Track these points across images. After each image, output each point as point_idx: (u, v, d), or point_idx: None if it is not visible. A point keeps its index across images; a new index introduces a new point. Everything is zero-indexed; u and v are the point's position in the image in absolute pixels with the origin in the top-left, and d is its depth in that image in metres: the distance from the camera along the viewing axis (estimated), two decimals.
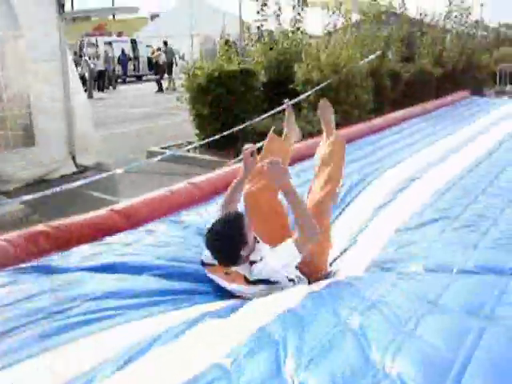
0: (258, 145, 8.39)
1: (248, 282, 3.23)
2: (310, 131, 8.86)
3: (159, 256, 3.64)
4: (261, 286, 3.21)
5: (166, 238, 3.94)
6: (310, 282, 3.43)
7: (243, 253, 3.15)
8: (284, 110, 7.65)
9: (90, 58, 25.73)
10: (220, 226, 3.14)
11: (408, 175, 5.91)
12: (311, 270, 3.58)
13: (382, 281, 3.10)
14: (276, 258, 3.19)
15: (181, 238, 3.99)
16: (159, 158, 7.86)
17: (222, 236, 3.10)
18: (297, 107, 10.28)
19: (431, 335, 2.40)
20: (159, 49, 27.85)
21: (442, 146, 7.54)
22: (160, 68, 26.12)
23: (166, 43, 27.76)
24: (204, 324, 2.75)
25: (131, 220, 4.25)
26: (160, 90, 24.97)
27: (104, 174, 5.96)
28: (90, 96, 23.16)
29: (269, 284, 3.20)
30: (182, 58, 26.78)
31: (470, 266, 3.32)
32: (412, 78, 13.96)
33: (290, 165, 4.71)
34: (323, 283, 3.18)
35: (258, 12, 11.66)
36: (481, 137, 8.22)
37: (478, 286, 2.99)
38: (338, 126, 9.03)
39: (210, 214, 4.42)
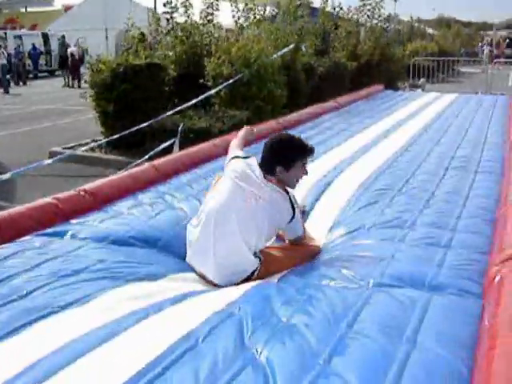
0: (168, 143, 8.12)
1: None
2: (220, 128, 8.51)
3: None
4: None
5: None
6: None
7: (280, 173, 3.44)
8: (192, 106, 7.30)
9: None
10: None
11: (322, 172, 5.65)
12: None
13: (300, 295, 2.85)
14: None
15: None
16: (56, 158, 7.37)
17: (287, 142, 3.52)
18: (208, 103, 9.94)
19: (347, 368, 2.16)
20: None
21: (356, 142, 7.35)
22: (74, 62, 25.24)
23: (63, 37, 27.23)
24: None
25: None
26: (68, 85, 24.21)
27: None
28: (6, 91, 22.22)
29: None
30: (85, 51, 26.01)
31: (387, 279, 3.05)
32: (327, 71, 13.82)
33: None
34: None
35: (165, 4, 11.18)
36: (394, 131, 8.10)
37: (397, 302, 2.74)
38: (251, 121, 8.85)
39: (104, 224, 3.99)
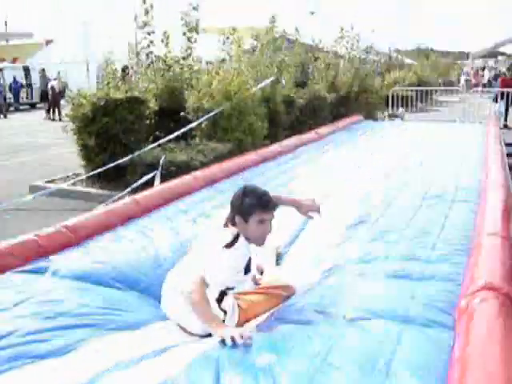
0: (149, 176, 8.14)
1: None
2: (201, 161, 8.56)
3: None
4: None
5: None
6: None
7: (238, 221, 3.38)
8: (173, 138, 7.30)
9: None
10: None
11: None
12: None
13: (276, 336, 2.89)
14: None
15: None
16: (39, 193, 7.37)
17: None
18: (189, 136, 10.00)
19: None
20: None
21: (335, 173, 7.42)
22: (55, 95, 25.25)
23: (43, 70, 27.41)
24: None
25: None
26: (49, 118, 24.23)
27: None
28: None
29: None
30: (66, 85, 26.06)
31: (359, 312, 3.09)
32: (306, 103, 13.96)
33: None
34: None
35: (145, 38, 11.27)
36: (372, 161, 8.20)
37: (370, 335, 2.79)
38: (232, 154, 8.92)
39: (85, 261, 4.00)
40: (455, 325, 2.81)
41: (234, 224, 3.41)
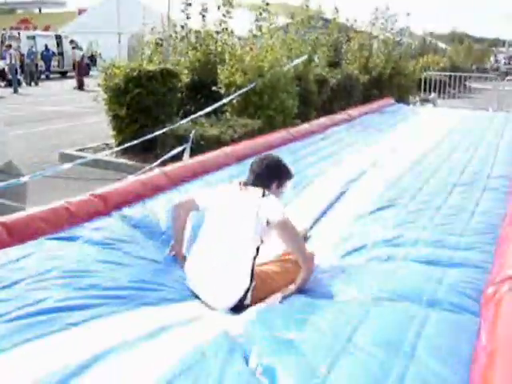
0: (179, 149, 8.15)
1: None
2: (232, 136, 8.54)
3: None
4: None
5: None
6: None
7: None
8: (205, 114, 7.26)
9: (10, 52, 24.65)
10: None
11: (332, 185, 5.69)
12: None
13: (301, 313, 2.90)
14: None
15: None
16: (75, 163, 7.40)
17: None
18: (220, 111, 9.97)
19: (346, 383, 2.24)
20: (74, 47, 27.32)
21: (365, 155, 7.37)
22: (79, 65, 25.36)
23: (72, 41, 27.51)
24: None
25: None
26: (80, 87, 24.32)
27: (12, 181, 5.56)
28: (15, 91, 22.39)
29: None
30: (99, 56, 26.18)
31: (386, 293, 3.08)
32: (338, 83, 13.86)
33: None
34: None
35: (183, 11, 11.22)
36: (404, 146, 8.13)
37: (395, 317, 2.79)
38: (262, 131, 8.88)
39: (114, 229, 4.03)
40: (481, 312, 2.80)
41: (269, 188, 3.57)
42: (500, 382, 2.02)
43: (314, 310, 2.91)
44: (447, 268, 3.42)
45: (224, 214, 3.47)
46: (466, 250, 3.73)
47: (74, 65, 26.30)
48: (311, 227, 4.74)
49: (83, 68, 25.41)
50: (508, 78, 22.54)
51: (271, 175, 3.63)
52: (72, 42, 28.60)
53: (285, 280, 3.46)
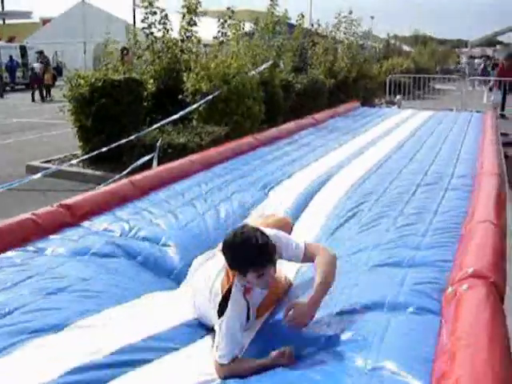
0: (146, 158, 8.16)
1: None
2: (199, 144, 8.57)
3: None
4: None
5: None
6: None
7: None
8: (170, 122, 7.24)
9: None
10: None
11: (298, 190, 5.73)
12: None
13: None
14: None
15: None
16: (42, 173, 7.38)
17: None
18: (186, 119, 9.99)
19: None
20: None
21: (331, 159, 7.44)
22: (36, 77, 25.13)
23: (41, 52, 27.17)
24: None
25: None
26: (33, 99, 24.18)
27: None
28: None
29: None
30: (63, 66, 26.04)
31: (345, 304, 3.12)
32: (304, 88, 13.96)
33: None
34: None
35: (143, 20, 11.21)
36: (369, 148, 8.23)
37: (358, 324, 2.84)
38: (229, 137, 8.93)
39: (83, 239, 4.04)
40: (442, 311, 2.82)
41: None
42: (460, 380, 2.06)
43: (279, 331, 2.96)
44: (409, 269, 3.44)
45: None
46: (429, 249, 3.74)
47: (31, 77, 25.94)
48: None
49: (47, 79, 25.11)
50: (470, 78, 22.88)
51: (226, 260, 2.95)
52: (41, 53, 28.26)
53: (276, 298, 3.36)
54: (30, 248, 3.85)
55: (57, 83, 27.72)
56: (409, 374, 2.31)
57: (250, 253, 2.78)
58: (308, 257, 3.13)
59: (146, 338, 2.87)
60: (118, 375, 2.53)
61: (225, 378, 2.66)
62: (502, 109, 18.13)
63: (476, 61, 35.98)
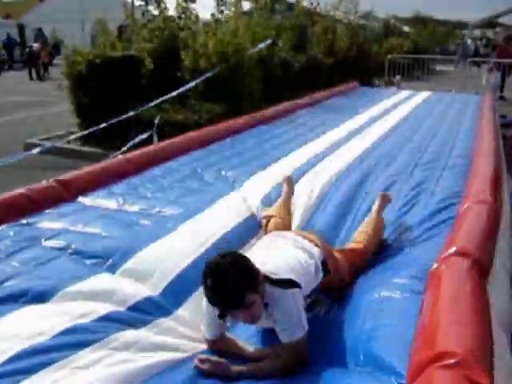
0: (144, 135, 8.13)
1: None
2: (197, 121, 8.55)
3: None
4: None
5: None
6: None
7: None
8: (169, 98, 7.17)
9: None
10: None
11: (294, 167, 5.72)
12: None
13: None
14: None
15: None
16: (39, 149, 7.35)
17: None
18: (184, 97, 9.95)
19: None
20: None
21: (329, 138, 7.42)
22: (33, 55, 24.93)
23: (40, 29, 26.97)
24: None
25: None
26: (31, 78, 24.01)
27: None
28: None
29: None
30: (61, 43, 25.83)
31: None
32: (303, 67, 13.89)
33: None
34: None
35: None
36: (368, 128, 8.21)
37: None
38: (227, 116, 8.90)
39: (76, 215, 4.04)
40: (424, 290, 2.79)
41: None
42: (441, 354, 2.04)
43: None
44: (403, 250, 3.49)
45: None
46: (423, 229, 3.79)
47: (29, 55, 25.71)
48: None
49: (44, 56, 24.90)
50: (469, 59, 22.73)
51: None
52: (39, 30, 28.01)
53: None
54: (24, 222, 3.85)
55: (55, 61, 27.57)
56: (385, 354, 2.33)
57: (211, 293, 2.44)
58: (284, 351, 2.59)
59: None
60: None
61: (212, 350, 2.68)
62: (501, 90, 18.08)
63: (468, 42, 35.68)
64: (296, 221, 4.18)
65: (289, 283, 2.59)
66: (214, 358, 2.54)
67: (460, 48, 29.22)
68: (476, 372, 1.87)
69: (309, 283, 2.81)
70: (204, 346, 2.73)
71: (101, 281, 3.06)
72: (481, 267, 2.73)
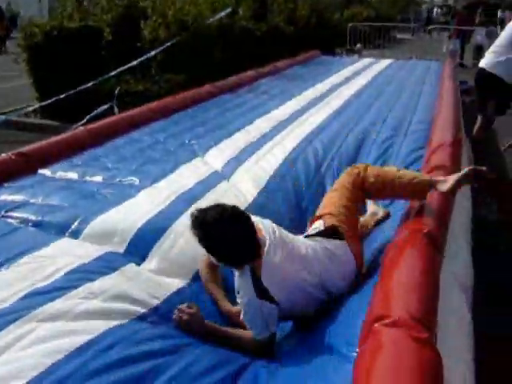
0: (104, 107, 8.05)
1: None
2: (158, 91, 8.47)
3: None
4: None
5: None
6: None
7: None
8: (129, 69, 7.07)
9: None
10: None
11: (256, 136, 5.71)
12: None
13: None
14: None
15: None
16: None
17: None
18: (145, 68, 9.84)
19: None
20: None
21: (291, 106, 7.42)
22: None
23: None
24: None
25: None
26: None
27: None
28: None
29: None
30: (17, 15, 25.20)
31: None
32: (265, 36, 13.80)
33: None
34: None
35: None
36: (329, 95, 8.23)
37: None
38: (188, 86, 8.82)
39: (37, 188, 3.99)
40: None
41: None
42: (381, 318, 2.07)
43: None
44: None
45: None
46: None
47: None
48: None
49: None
50: (430, 26, 22.90)
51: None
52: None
53: None
54: None
55: (12, 35, 26.89)
56: None
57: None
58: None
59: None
60: None
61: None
62: (461, 57, 18.26)
63: (423, 7, 35.77)
64: (260, 184, 4.21)
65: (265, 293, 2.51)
66: (191, 310, 2.54)
67: (415, 16, 29.43)
68: (418, 329, 1.95)
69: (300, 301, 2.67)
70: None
71: (62, 245, 3.07)
72: (433, 239, 2.73)
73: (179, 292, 2.82)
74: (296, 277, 2.59)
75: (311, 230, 2.93)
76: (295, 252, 2.63)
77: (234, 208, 2.58)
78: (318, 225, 2.91)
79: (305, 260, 2.64)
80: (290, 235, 2.77)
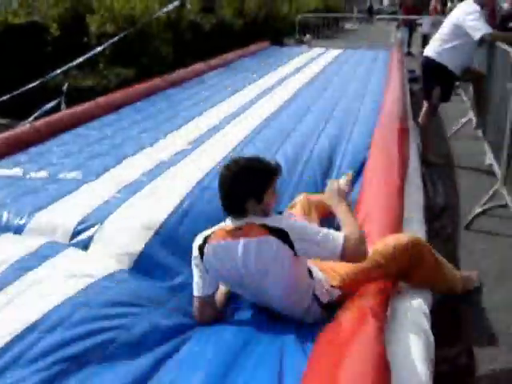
0: (51, 104, 7.92)
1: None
2: (106, 86, 8.39)
3: None
4: None
5: None
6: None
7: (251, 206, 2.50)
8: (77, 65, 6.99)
9: None
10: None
11: (204, 129, 5.71)
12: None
13: None
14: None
15: None
16: None
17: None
18: (92, 63, 9.72)
19: None
20: None
21: (240, 98, 7.43)
22: None
23: None
24: None
25: None
26: None
27: None
28: None
29: None
30: None
31: None
32: (213, 29, 13.78)
33: None
34: None
35: None
36: (279, 86, 8.26)
37: None
38: (137, 80, 8.76)
39: None
40: None
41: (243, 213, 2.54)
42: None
43: None
44: None
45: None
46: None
47: None
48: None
49: None
50: (378, 17, 23.15)
51: (240, 196, 2.51)
52: None
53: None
54: None
55: None
56: None
57: (263, 168, 2.55)
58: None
59: None
60: None
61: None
62: (409, 46, 18.48)
63: None
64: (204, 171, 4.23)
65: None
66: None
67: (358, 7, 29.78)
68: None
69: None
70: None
71: (6, 240, 3.06)
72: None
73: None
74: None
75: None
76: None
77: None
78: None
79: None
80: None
